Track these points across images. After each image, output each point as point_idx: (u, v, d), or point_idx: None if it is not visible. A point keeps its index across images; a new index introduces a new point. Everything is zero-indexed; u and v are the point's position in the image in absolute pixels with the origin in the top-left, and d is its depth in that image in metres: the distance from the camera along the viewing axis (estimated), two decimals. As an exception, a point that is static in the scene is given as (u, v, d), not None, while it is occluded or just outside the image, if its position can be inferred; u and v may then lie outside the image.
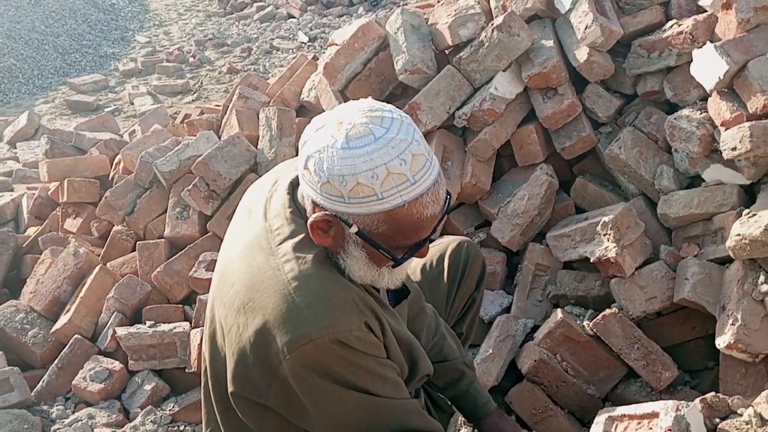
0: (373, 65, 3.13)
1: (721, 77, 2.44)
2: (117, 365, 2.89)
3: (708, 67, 2.49)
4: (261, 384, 1.46)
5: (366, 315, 1.47)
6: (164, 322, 2.94)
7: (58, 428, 2.68)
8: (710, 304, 2.35)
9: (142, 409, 2.76)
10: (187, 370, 2.82)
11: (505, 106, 2.85)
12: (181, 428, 2.71)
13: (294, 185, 1.55)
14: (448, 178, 2.81)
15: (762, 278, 2.24)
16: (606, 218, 2.50)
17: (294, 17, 8.21)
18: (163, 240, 3.29)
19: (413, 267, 2.04)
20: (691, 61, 2.57)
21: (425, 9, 3.34)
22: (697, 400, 2.03)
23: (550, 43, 2.84)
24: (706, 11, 2.70)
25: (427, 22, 3.13)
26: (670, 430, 1.85)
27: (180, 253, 3.18)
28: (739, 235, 2.22)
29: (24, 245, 3.65)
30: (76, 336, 2.98)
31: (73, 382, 2.86)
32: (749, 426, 1.92)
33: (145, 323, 2.95)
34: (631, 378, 2.50)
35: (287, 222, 1.50)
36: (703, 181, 2.58)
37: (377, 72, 3.13)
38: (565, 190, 2.95)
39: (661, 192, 2.66)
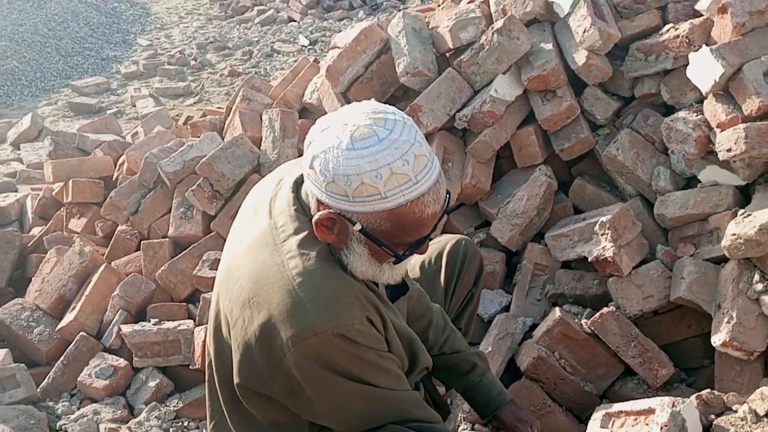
0: (375, 68, 3.15)
1: (717, 80, 2.46)
2: (122, 362, 2.91)
3: (704, 70, 2.51)
4: (266, 376, 1.50)
5: (368, 310, 1.51)
6: (168, 320, 2.97)
7: (64, 424, 2.70)
8: (706, 303, 2.37)
9: (146, 406, 2.79)
10: (190, 367, 2.85)
11: (505, 108, 2.87)
12: (185, 424, 2.74)
13: (298, 184, 1.59)
14: (448, 179, 2.84)
15: (757, 277, 2.26)
16: (604, 218, 2.52)
17: (294, 21, 8.24)
18: (167, 239, 3.32)
19: (413, 264, 2.08)
20: (688, 64, 2.60)
21: (426, 13, 3.38)
22: (693, 396, 2.06)
23: (549, 46, 2.87)
24: (702, 15, 2.73)
25: (428, 26, 3.16)
26: (666, 426, 1.87)
27: (184, 252, 3.20)
28: (734, 234, 2.24)
29: (29, 245, 3.68)
30: (81, 333, 3.01)
31: (79, 379, 2.89)
32: (744, 422, 1.94)
33: (149, 321, 2.99)
34: (628, 375, 2.51)
35: (292, 219, 1.54)
36: (699, 182, 2.60)
37: (379, 74, 3.15)
38: (563, 191, 2.97)
39: (657, 193, 2.68)
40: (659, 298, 2.48)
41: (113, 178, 3.91)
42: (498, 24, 2.85)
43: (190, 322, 2.94)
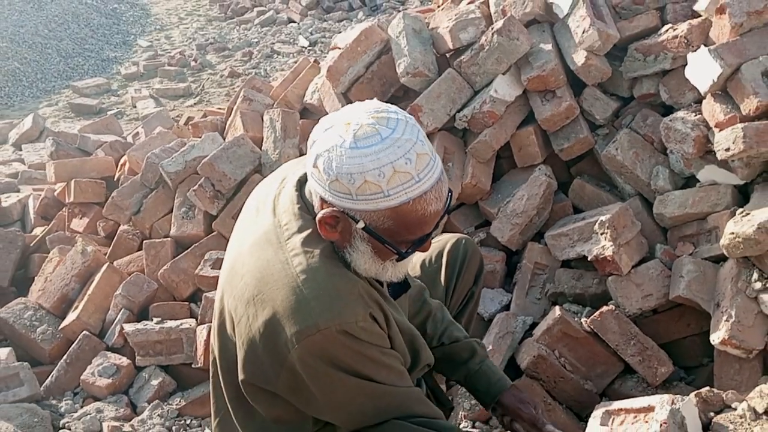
0: (376, 68, 3.16)
1: (715, 80, 2.48)
2: (124, 361, 2.93)
3: (702, 70, 2.52)
4: (270, 372, 1.51)
5: (371, 307, 1.52)
6: (171, 319, 2.99)
7: (67, 422, 2.72)
8: (705, 302, 2.39)
9: (149, 404, 2.81)
10: (193, 366, 2.86)
11: (505, 108, 2.88)
12: (188, 422, 2.75)
13: (301, 182, 1.60)
14: (449, 178, 2.83)
15: (755, 276, 2.27)
16: (603, 218, 2.53)
17: (294, 22, 8.25)
18: (169, 239, 3.34)
19: (413, 262, 2.09)
20: (686, 64, 2.61)
21: (426, 13, 3.39)
22: (692, 394, 2.05)
23: (548, 46, 2.88)
24: (700, 16, 2.74)
25: (428, 27, 3.17)
26: (665, 423, 1.87)
27: (186, 251, 3.22)
28: (733, 233, 2.24)
29: (31, 245, 3.69)
30: (84, 332, 3.02)
31: (82, 377, 2.91)
32: (743, 420, 1.94)
33: (152, 320, 3.00)
34: (628, 374, 2.53)
35: (295, 218, 1.55)
36: (698, 181, 2.61)
37: (379, 75, 3.16)
38: (563, 191, 2.97)
39: (656, 192, 2.69)
40: (658, 297, 2.49)
41: (115, 179, 3.92)
42: (498, 25, 2.87)
43: (192, 321, 2.96)
